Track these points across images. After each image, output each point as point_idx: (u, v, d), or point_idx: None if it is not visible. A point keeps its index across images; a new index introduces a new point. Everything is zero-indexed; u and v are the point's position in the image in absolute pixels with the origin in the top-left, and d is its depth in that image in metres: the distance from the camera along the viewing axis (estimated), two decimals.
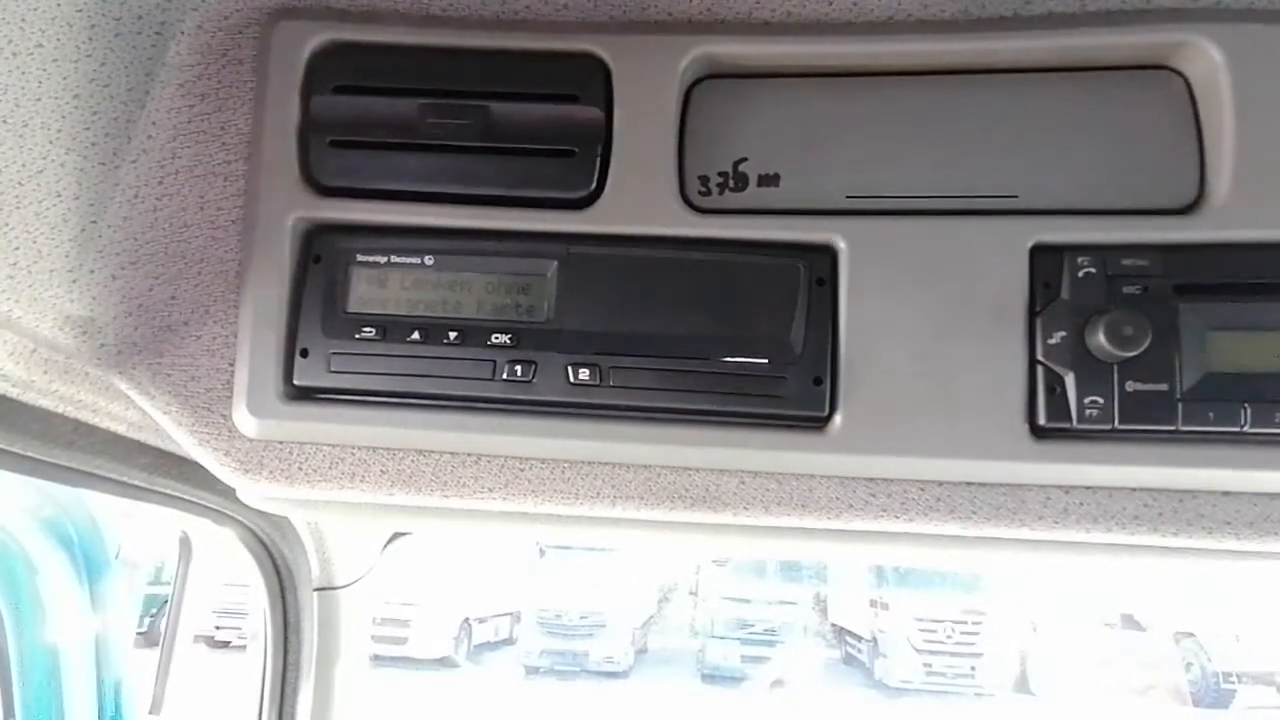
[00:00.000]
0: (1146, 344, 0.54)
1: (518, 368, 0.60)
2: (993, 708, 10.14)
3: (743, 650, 11.10)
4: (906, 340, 0.58)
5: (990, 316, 0.58)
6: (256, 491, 0.66)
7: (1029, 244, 0.58)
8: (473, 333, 0.60)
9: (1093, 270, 0.57)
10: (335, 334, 0.61)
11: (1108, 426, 0.56)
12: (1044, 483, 0.58)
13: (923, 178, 0.60)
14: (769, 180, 0.61)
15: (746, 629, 11.36)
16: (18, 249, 0.52)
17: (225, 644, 8.38)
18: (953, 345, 0.58)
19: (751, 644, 11.17)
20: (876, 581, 11.04)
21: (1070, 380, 0.56)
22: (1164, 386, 0.55)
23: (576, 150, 0.60)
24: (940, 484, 0.59)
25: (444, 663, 10.67)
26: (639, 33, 0.61)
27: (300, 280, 0.62)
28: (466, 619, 11.09)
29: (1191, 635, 10.05)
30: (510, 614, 11.94)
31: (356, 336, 0.61)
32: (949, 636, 10.29)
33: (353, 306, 0.61)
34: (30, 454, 0.72)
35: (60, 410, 0.72)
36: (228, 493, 0.69)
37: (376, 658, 9.32)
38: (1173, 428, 0.56)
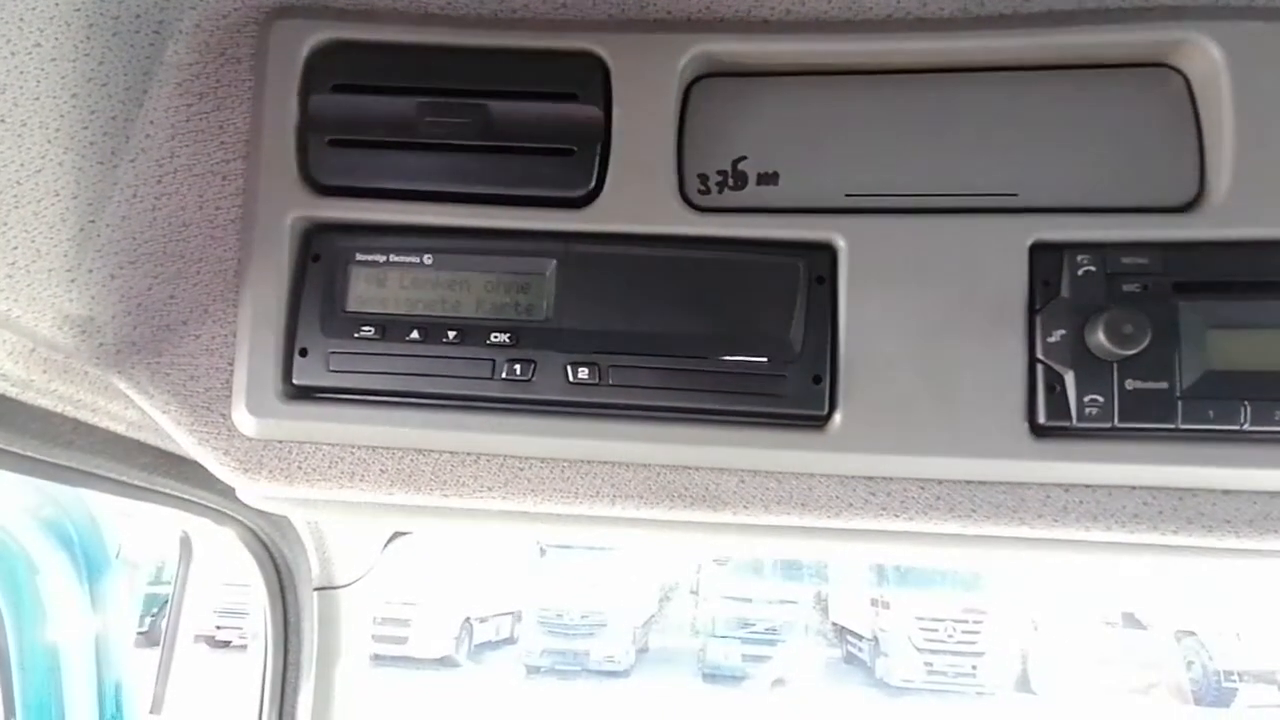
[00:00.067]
0: (1146, 342, 0.54)
1: (517, 367, 0.60)
2: (994, 706, 10.15)
3: (744, 649, 11.11)
4: (906, 339, 0.58)
5: (990, 315, 0.58)
6: (256, 491, 0.66)
7: (1028, 242, 0.58)
8: (472, 332, 0.60)
9: (1092, 268, 0.57)
10: (334, 333, 0.61)
11: (1107, 425, 0.56)
12: (1044, 481, 0.58)
13: (922, 176, 0.60)
14: (768, 179, 0.61)
15: (747, 628, 11.37)
16: (16, 248, 0.52)
17: (226, 644, 8.39)
18: (952, 344, 0.58)
19: (752, 643, 11.18)
20: (877, 580, 11.05)
21: (1070, 378, 0.56)
22: (1164, 385, 0.55)
23: (575, 149, 0.60)
24: (940, 482, 0.59)
25: (445, 662, 10.68)
26: (638, 31, 0.61)
27: (299, 279, 0.62)
28: (467, 618, 11.10)
29: (1193, 634, 10.06)
30: (511, 613, 11.95)
31: (355, 336, 0.61)
32: (950, 635, 10.30)
33: (352, 305, 0.61)
34: (30, 453, 0.72)
35: (60, 410, 0.72)
36: (227, 492, 0.69)
37: (377, 657, 9.32)
38: (1172, 426, 0.55)
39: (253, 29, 0.62)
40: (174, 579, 1.50)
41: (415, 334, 0.60)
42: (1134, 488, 0.58)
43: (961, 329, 0.58)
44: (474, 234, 0.61)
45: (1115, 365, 0.56)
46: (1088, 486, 0.58)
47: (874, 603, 10.91)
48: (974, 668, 10.21)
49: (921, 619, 10.35)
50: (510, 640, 11.87)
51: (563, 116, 0.60)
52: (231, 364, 0.63)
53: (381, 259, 0.62)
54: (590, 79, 0.60)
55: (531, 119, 0.60)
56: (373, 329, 0.61)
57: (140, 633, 1.66)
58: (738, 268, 0.60)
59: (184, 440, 0.64)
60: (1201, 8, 0.57)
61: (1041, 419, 0.57)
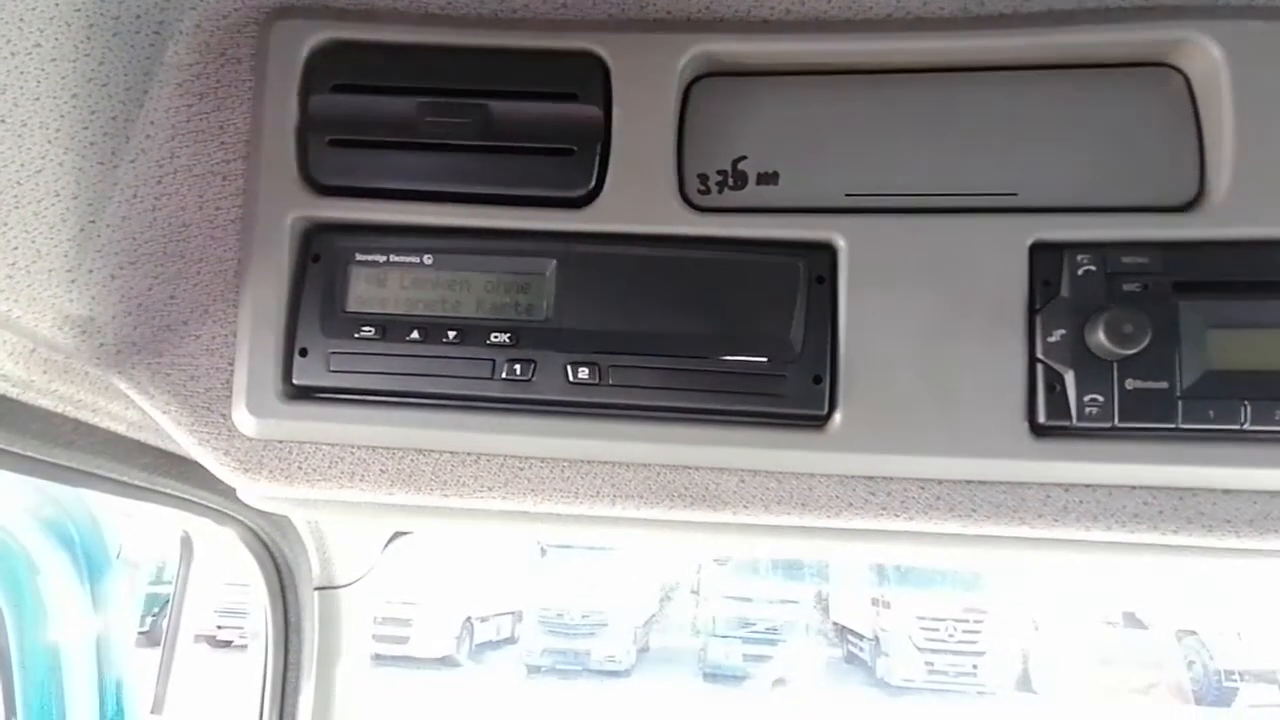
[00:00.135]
0: (1146, 342, 0.54)
1: (517, 367, 0.60)
2: (995, 706, 10.14)
3: (745, 649, 11.10)
4: (906, 338, 0.58)
5: (990, 314, 0.57)
6: (256, 491, 0.66)
7: (1028, 242, 0.58)
8: (472, 332, 0.60)
9: (1092, 268, 0.57)
10: (334, 333, 0.61)
11: (1107, 424, 0.56)
12: (1044, 481, 0.58)
13: (922, 175, 0.60)
14: (768, 178, 0.61)
15: (748, 628, 11.37)
16: (16, 249, 0.52)
17: (227, 643, 8.39)
18: (952, 343, 0.58)
19: (753, 643, 11.17)
20: (878, 580, 11.04)
21: (1070, 378, 0.56)
22: (1164, 384, 0.55)
23: (575, 149, 0.60)
24: (940, 482, 0.59)
25: (446, 662, 10.68)
26: (638, 31, 0.61)
27: (299, 280, 0.62)
28: (468, 618, 11.09)
29: (1193, 633, 10.05)
30: (512, 613, 11.94)
31: (356, 336, 0.61)
32: (951, 635, 10.29)
33: (352, 306, 0.61)
34: (30, 454, 0.72)
35: (60, 410, 0.72)
36: (228, 492, 0.69)
37: (378, 657, 9.33)
38: (1172, 425, 0.55)
39: (253, 29, 0.62)
40: (175, 579, 1.50)
41: (415, 334, 0.60)
42: (1134, 487, 0.58)
43: (961, 329, 0.58)
44: (474, 234, 0.61)
45: (1115, 365, 0.56)
46: (1088, 486, 0.58)
47: (875, 602, 10.90)
48: (975, 667, 10.20)
49: (922, 618, 10.34)
50: (511, 640, 11.87)
51: (563, 116, 0.60)
52: (232, 364, 0.63)
53: (381, 259, 0.62)
54: (590, 79, 0.60)
55: (531, 119, 0.60)
56: (373, 329, 0.61)
57: (141, 632, 1.66)
58: (738, 268, 0.60)
59: (184, 440, 0.64)
60: (1201, 7, 0.57)
61: (1041, 419, 0.57)
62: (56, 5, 0.49)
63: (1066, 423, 0.56)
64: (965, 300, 0.58)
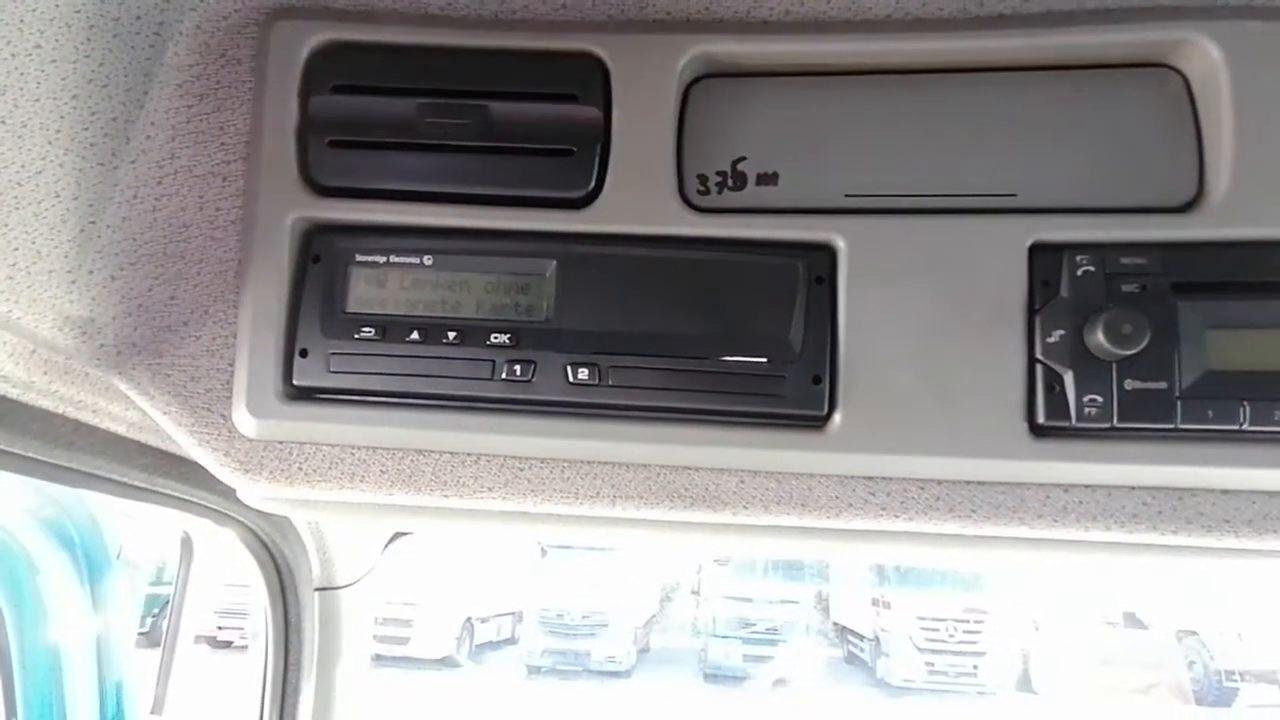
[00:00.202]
0: (1145, 342, 0.54)
1: (517, 367, 0.60)
2: (995, 706, 10.14)
3: (745, 649, 11.10)
4: (905, 339, 0.58)
5: (989, 315, 0.58)
6: (256, 491, 0.66)
7: (1028, 242, 0.58)
8: (472, 332, 0.60)
9: (1091, 268, 0.57)
10: (334, 334, 0.61)
11: (1107, 425, 0.56)
12: (1043, 481, 0.58)
13: (921, 176, 0.60)
14: (767, 179, 0.61)
15: (749, 628, 11.36)
16: (17, 249, 0.52)
17: (227, 644, 8.39)
18: (952, 344, 0.58)
19: (754, 643, 11.17)
20: (878, 580, 11.04)
21: (1069, 379, 0.56)
22: (1163, 385, 0.55)
23: (575, 150, 0.60)
24: (939, 482, 0.59)
25: (446, 662, 10.68)
26: (637, 32, 0.61)
27: (299, 280, 0.62)
28: (468, 619, 11.10)
29: (1194, 633, 10.05)
30: (512, 613, 11.94)
31: (356, 336, 0.61)
32: (951, 635, 10.29)
33: (352, 306, 0.62)
34: (31, 454, 0.72)
35: (60, 411, 0.72)
36: (228, 493, 0.69)
37: (378, 657, 9.32)
38: (1172, 426, 0.56)
39: (253, 30, 0.62)
40: (175, 579, 1.50)
41: (415, 335, 0.61)
42: (1133, 488, 0.58)
43: (961, 329, 0.58)
44: (474, 235, 0.61)
45: (1114, 365, 0.56)
46: (1087, 486, 0.58)
47: (875, 602, 10.90)
48: (975, 667, 10.20)
49: (923, 619, 10.34)
50: (511, 640, 11.87)
51: (562, 117, 0.60)
52: (232, 365, 0.63)
53: (381, 260, 0.62)
54: (590, 80, 0.60)
55: (531, 120, 0.60)
56: (373, 330, 0.61)
57: (141, 633, 1.66)
58: (737, 268, 0.60)
59: (185, 441, 0.64)
60: (1201, 8, 0.57)
61: (1041, 419, 0.57)
62: (56, 6, 0.49)
63: (1066, 423, 0.56)
64: (965, 301, 0.58)
